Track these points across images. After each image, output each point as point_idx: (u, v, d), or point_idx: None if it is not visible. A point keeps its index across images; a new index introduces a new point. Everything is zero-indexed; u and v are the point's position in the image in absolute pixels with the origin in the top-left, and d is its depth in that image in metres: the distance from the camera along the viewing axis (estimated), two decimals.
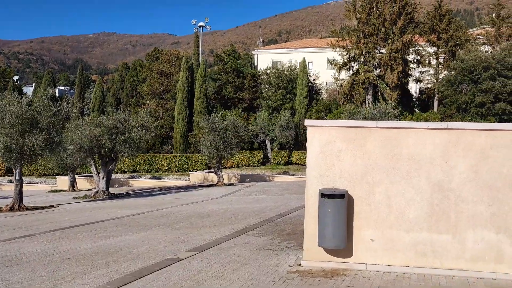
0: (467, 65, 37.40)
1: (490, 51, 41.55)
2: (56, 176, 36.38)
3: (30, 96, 46.21)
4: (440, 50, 44.74)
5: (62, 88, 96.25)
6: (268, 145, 42.67)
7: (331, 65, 45.55)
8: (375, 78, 42.37)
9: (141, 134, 24.54)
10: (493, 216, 6.68)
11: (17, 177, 19.85)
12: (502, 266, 6.61)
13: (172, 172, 41.33)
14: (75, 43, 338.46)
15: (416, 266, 6.86)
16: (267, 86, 49.63)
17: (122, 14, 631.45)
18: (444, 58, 44.81)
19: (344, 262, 7.12)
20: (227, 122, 29.91)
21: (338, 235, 6.86)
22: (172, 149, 45.58)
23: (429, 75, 45.97)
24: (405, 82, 44.40)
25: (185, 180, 36.53)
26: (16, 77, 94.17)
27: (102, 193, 24.80)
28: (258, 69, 56.62)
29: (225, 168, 37.39)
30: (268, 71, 51.01)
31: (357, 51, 42.74)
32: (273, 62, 58.28)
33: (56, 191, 32.38)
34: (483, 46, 44.02)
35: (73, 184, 32.40)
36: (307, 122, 7.39)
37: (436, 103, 44.74)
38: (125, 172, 40.74)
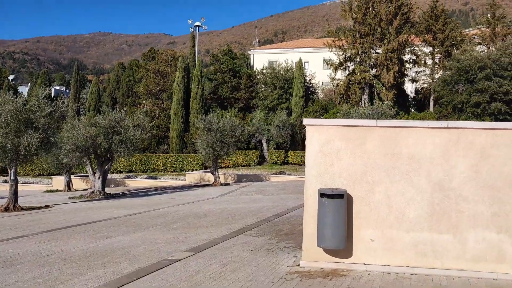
0: (463, 65, 37.47)
1: (486, 51, 41.67)
2: (52, 176, 36.19)
3: (25, 96, 45.99)
4: (435, 50, 44.82)
5: (58, 88, 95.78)
6: (265, 145, 42.61)
7: (327, 65, 45.56)
8: (371, 78, 42.38)
9: (137, 134, 24.42)
10: (494, 216, 6.62)
11: (12, 177, 19.70)
12: (503, 266, 6.55)
13: (168, 172, 41.20)
14: (70, 43, 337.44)
15: (417, 267, 6.79)
16: (263, 86, 49.57)
17: (118, 14, 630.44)
18: (440, 58, 44.91)
19: (343, 262, 7.05)
20: (223, 122, 29.84)
21: (337, 235, 6.78)
22: (169, 149, 45.46)
23: (425, 75, 46.02)
24: (401, 82, 44.50)
25: (182, 180, 36.41)
26: (11, 77, 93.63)
27: (98, 193, 24.68)
28: (254, 69, 56.53)
29: (221, 168, 37.31)
30: (264, 71, 50.93)
31: (353, 51, 42.76)
32: (269, 62, 58.17)
33: (51, 191, 32.20)
34: (479, 46, 44.13)
35: (68, 184, 32.22)
36: (306, 121, 7.31)
37: (432, 103, 44.80)
38: (121, 172, 40.59)
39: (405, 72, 44.19)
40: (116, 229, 12.24)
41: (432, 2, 45.84)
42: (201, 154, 30.56)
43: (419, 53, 43.98)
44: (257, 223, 11.94)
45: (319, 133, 7.18)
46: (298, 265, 7.25)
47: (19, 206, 19.43)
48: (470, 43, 44.45)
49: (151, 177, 38.40)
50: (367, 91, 42.87)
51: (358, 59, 43.33)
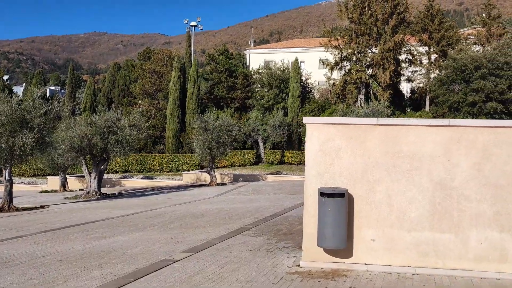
0: (459, 64, 37.49)
1: (481, 50, 41.73)
2: (47, 177, 35.93)
3: (20, 96, 45.66)
4: (431, 49, 44.90)
5: (53, 88, 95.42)
6: (261, 144, 42.52)
7: (323, 64, 45.42)
8: (367, 78, 42.37)
9: (133, 134, 24.26)
10: (496, 215, 6.55)
11: (7, 178, 19.52)
12: (506, 266, 6.48)
13: (164, 172, 41.04)
14: (65, 43, 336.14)
15: (418, 266, 6.71)
16: (259, 86, 49.47)
17: (113, 14, 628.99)
18: (436, 57, 44.99)
19: (344, 262, 6.97)
20: (219, 121, 29.73)
21: (338, 234, 6.70)
22: (165, 149, 45.26)
23: (421, 74, 46.08)
24: (397, 82, 44.49)
25: (178, 180, 36.28)
26: (6, 77, 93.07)
27: (94, 193, 24.51)
28: (250, 69, 56.43)
29: (217, 167, 37.19)
30: (260, 71, 50.83)
31: (349, 51, 42.73)
32: (265, 61, 58.13)
33: (47, 191, 31.96)
34: (474, 45, 44.25)
35: (64, 184, 31.97)
36: (305, 119, 7.22)
37: (427, 103, 44.86)
38: (117, 172, 40.37)
39: (401, 71, 44.22)
40: (113, 229, 12.12)
41: (428, 2, 45.89)
42: (198, 154, 30.45)
43: (415, 53, 44.04)
44: (255, 223, 11.85)
45: (319, 131, 7.09)
46: (298, 265, 7.16)
47: (14, 206, 19.26)
48: (466, 42, 44.55)
49: (147, 177, 38.22)
50: (363, 91, 42.86)
51: (354, 59, 43.30)
